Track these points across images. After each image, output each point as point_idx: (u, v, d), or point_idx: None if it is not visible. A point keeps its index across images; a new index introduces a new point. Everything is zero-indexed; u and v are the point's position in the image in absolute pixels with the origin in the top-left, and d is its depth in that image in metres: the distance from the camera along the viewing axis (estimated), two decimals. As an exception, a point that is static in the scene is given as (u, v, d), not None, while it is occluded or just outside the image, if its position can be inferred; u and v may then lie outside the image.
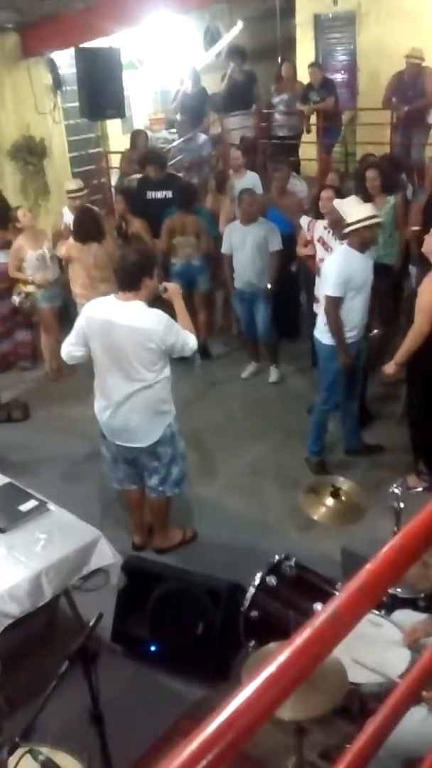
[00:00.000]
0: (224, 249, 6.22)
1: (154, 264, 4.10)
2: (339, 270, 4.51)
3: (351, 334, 4.64)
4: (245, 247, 6.03)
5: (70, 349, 3.93)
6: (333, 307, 4.55)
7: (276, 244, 6.03)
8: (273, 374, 6.38)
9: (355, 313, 4.60)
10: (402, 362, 4.32)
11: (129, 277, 3.75)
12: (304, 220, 5.76)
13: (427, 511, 0.98)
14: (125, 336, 3.70)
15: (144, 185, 7.19)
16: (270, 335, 6.27)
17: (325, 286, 4.60)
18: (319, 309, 4.83)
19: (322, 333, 4.73)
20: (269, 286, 6.08)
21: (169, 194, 6.80)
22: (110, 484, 4.24)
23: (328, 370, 4.83)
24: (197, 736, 0.74)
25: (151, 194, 7.06)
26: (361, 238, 4.49)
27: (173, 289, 3.97)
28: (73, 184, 6.94)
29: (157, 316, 3.74)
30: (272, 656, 0.83)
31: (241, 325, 6.58)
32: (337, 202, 4.91)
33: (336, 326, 4.57)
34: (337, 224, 4.86)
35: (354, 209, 4.57)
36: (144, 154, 7.67)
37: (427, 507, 0.99)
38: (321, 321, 4.73)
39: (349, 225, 4.50)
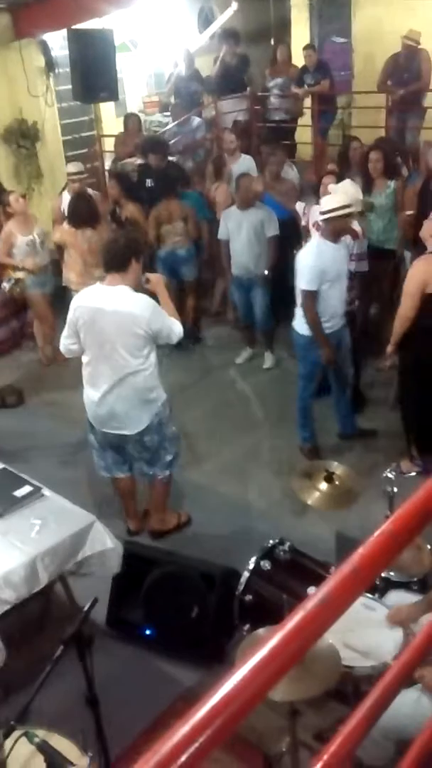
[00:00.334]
0: (221, 234, 6.17)
1: (142, 249, 4.07)
2: (312, 263, 4.47)
3: (329, 324, 4.61)
4: (241, 232, 5.98)
5: (66, 343, 3.91)
6: (309, 300, 4.54)
7: (273, 230, 5.99)
8: (268, 360, 6.38)
9: (332, 302, 4.57)
10: (393, 349, 4.35)
11: (115, 258, 3.72)
12: (299, 206, 5.74)
13: (419, 495, 0.98)
14: (112, 321, 3.69)
15: (144, 173, 7.16)
16: (267, 321, 6.26)
17: (300, 280, 4.56)
18: (298, 301, 4.81)
19: (299, 324, 4.71)
20: (266, 272, 6.05)
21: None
22: (99, 472, 4.23)
23: (305, 360, 4.84)
24: (189, 719, 0.75)
25: (150, 182, 7.04)
26: (334, 228, 4.45)
27: (156, 279, 3.94)
28: (74, 167, 6.88)
29: (144, 301, 3.73)
30: (264, 640, 0.84)
31: (237, 311, 6.56)
32: (332, 187, 4.88)
33: (314, 320, 4.55)
34: None
35: (327, 198, 4.52)
36: (145, 141, 7.60)
37: (418, 492, 0.99)
38: (298, 312, 4.69)
39: (322, 214, 4.46)
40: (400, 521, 0.93)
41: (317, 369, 4.80)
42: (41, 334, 6.63)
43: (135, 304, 3.70)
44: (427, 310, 4.13)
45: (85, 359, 3.90)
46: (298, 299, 4.65)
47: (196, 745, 0.72)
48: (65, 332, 3.91)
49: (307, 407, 4.96)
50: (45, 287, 6.46)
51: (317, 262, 4.46)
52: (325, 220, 4.48)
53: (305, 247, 4.72)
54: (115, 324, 3.69)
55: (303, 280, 4.52)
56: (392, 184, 5.85)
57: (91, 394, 3.91)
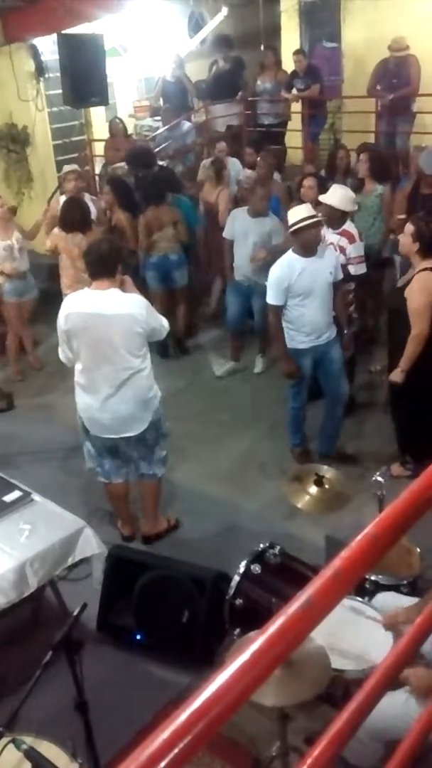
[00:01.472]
0: (226, 234, 6.07)
1: (122, 256, 4.09)
2: (278, 277, 4.44)
3: (309, 338, 4.54)
4: (247, 240, 5.89)
5: (65, 350, 3.86)
6: (273, 315, 4.55)
7: (279, 239, 5.81)
8: (259, 364, 6.35)
9: (309, 317, 4.49)
10: (408, 368, 4.24)
11: (107, 264, 3.73)
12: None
13: (402, 499, 0.99)
14: (112, 324, 3.68)
15: (137, 178, 7.18)
16: (265, 325, 6.21)
17: (267, 293, 4.57)
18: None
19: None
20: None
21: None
22: (95, 478, 4.20)
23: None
24: (170, 725, 0.75)
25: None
26: (303, 240, 4.38)
27: (128, 281, 3.91)
28: (70, 167, 6.80)
29: (138, 300, 3.76)
30: (246, 644, 0.84)
31: (227, 316, 6.40)
32: (326, 198, 4.88)
33: (277, 334, 4.56)
34: (331, 216, 4.80)
35: (293, 212, 4.48)
36: (130, 154, 7.57)
37: (401, 496, 0.99)
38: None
39: (290, 228, 4.42)
40: (382, 525, 0.94)
41: (304, 381, 4.74)
42: (12, 346, 6.54)
43: (131, 304, 3.72)
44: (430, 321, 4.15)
45: (79, 366, 3.85)
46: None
47: (176, 750, 0.72)
48: (60, 342, 3.86)
49: (298, 416, 4.92)
50: (23, 295, 6.37)
51: (283, 277, 4.42)
52: (293, 233, 4.42)
53: (277, 260, 4.62)
54: (117, 326, 3.69)
55: (268, 293, 4.54)
56: (380, 188, 5.88)
57: (89, 400, 3.86)
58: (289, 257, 4.49)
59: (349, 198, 4.90)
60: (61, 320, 3.79)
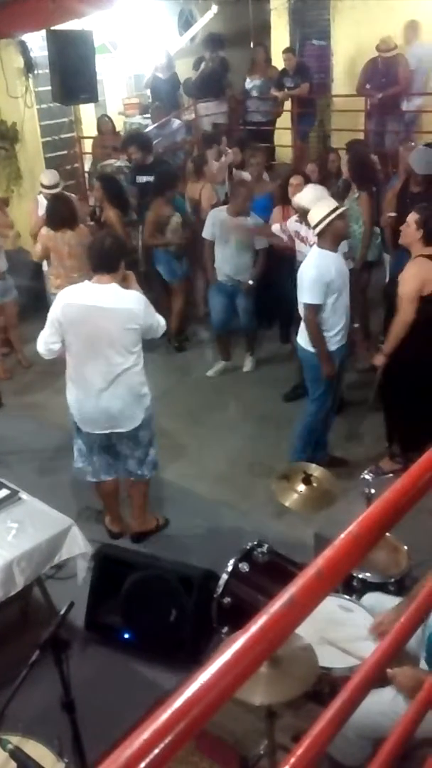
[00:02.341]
0: (206, 234, 5.98)
1: (127, 252, 4.08)
2: (317, 275, 4.20)
3: (336, 338, 4.37)
4: (229, 241, 5.83)
5: (48, 341, 3.80)
6: (313, 314, 4.26)
7: (262, 242, 5.84)
8: (248, 364, 6.34)
9: (340, 314, 4.33)
10: (390, 352, 4.24)
11: (109, 259, 3.74)
12: (276, 228, 5.62)
13: (384, 498, 0.99)
14: (109, 319, 3.68)
15: (135, 169, 7.19)
16: (251, 323, 6.18)
17: (303, 295, 4.28)
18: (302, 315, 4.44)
19: (305, 339, 4.42)
20: (251, 282, 5.94)
21: (152, 179, 6.76)
22: (84, 477, 4.18)
23: (318, 380, 4.47)
24: (151, 724, 0.74)
25: (140, 178, 7.07)
26: (333, 235, 4.24)
27: (131, 276, 3.95)
28: (47, 178, 6.54)
29: (137, 296, 3.77)
30: (228, 643, 0.84)
31: (212, 318, 6.33)
32: (300, 198, 4.86)
33: (317, 335, 4.29)
34: (305, 214, 4.80)
35: (315, 210, 4.31)
36: (126, 136, 7.61)
37: (384, 495, 0.99)
38: (303, 328, 4.40)
39: (317, 227, 4.25)
40: (365, 524, 0.94)
41: (331, 386, 4.49)
42: None
43: (130, 299, 3.73)
44: (421, 312, 4.15)
45: (70, 359, 3.84)
46: (302, 314, 4.36)
47: (157, 751, 0.72)
48: (46, 332, 3.80)
49: (317, 430, 4.65)
50: (3, 296, 6.34)
51: (323, 273, 4.21)
52: (324, 229, 4.22)
53: (306, 260, 4.40)
54: (113, 321, 3.68)
55: (306, 294, 4.25)
56: (357, 192, 5.82)
57: (79, 395, 3.84)
58: (319, 254, 4.27)
59: (321, 196, 4.91)
60: (58, 311, 3.75)
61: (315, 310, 4.27)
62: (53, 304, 3.84)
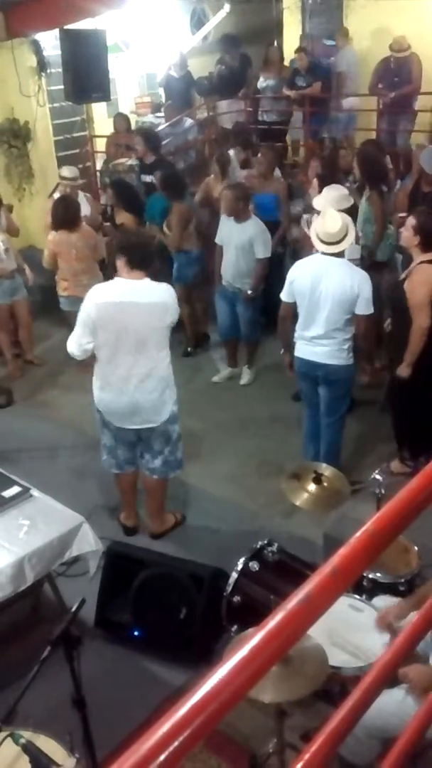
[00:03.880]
0: (218, 239, 5.91)
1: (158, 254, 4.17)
2: (372, 287, 4.11)
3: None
4: (230, 245, 5.75)
5: (81, 341, 3.79)
6: (373, 324, 4.21)
7: (262, 251, 5.66)
8: (245, 376, 6.17)
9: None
10: (413, 362, 4.18)
11: (148, 256, 3.81)
12: (304, 219, 5.61)
13: (400, 497, 0.99)
14: (144, 313, 3.71)
15: (141, 169, 7.22)
16: (252, 333, 6.03)
17: (361, 307, 4.07)
18: (318, 330, 4.18)
19: (331, 356, 4.22)
20: (249, 292, 5.78)
21: (152, 179, 6.76)
22: (109, 469, 4.20)
23: (346, 396, 4.45)
24: (169, 719, 0.75)
25: (144, 177, 7.07)
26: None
27: None
28: (68, 171, 6.75)
29: (169, 289, 3.84)
30: (245, 640, 0.84)
31: (218, 324, 6.23)
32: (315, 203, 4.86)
33: (373, 347, 4.24)
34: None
35: (329, 224, 4.09)
36: (137, 131, 7.62)
37: (399, 494, 1.00)
38: (332, 344, 4.19)
39: (335, 244, 4.08)
40: (381, 522, 0.94)
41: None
42: (5, 346, 6.48)
43: (163, 293, 3.80)
44: (430, 318, 4.14)
45: (102, 356, 3.82)
46: (321, 328, 4.16)
47: (175, 744, 0.73)
48: (79, 332, 3.78)
49: (341, 441, 4.63)
50: (14, 295, 6.29)
51: (371, 286, 4.14)
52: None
53: (341, 272, 4.13)
54: (149, 315, 3.72)
55: (369, 304, 4.10)
56: (368, 192, 5.79)
57: (112, 391, 3.85)
58: (349, 265, 4.23)
59: (339, 197, 4.88)
60: (91, 310, 3.72)
61: (373, 320, 4.25)
62: (83, 304, 3.81)
